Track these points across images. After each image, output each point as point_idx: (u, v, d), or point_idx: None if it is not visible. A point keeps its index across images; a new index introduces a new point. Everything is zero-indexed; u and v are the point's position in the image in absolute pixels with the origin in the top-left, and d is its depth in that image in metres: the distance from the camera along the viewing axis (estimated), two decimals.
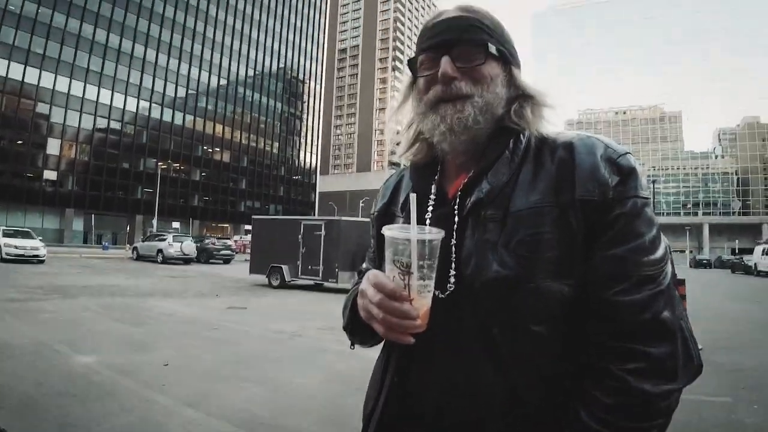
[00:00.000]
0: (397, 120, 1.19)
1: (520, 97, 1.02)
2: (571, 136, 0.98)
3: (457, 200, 0.99)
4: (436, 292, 0.92)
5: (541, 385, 0.89)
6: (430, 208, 1.04)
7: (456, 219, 0.98)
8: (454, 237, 0.97)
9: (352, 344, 1.16)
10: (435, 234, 0.88)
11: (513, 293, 0.89)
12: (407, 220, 1.00)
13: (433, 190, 1.06)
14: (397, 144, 1.16)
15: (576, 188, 0.90)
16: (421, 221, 0.99)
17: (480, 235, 0.94)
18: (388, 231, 0.89)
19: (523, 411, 0.88)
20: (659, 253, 0.90)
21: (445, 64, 0.97)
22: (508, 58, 1.02)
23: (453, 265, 0.95)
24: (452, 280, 0.94)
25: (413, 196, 0.92)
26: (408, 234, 0.86)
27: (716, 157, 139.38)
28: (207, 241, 36.11)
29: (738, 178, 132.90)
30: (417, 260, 0.85)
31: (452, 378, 0.94)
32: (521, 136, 0.99)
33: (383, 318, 0.88)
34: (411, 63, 1.08)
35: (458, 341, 0.93)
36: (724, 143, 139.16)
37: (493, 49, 0.99)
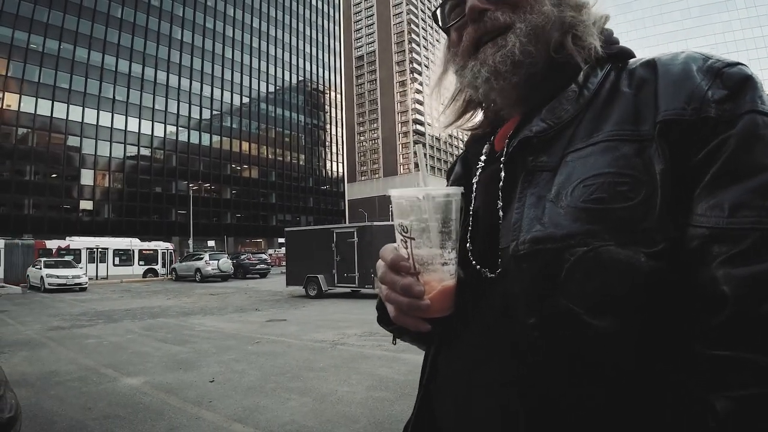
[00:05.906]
0: (441, 97, 0.94)
1: (578, 17, 0.75)
2: (657, 54, 0.71)
3: (504, 151, 0.76)
4: (484, 271, 0.73)
5: (597, 422, 0.58)
6: (479, 171, 0.82)
7: (502, 175, 0.75)
8: (500, 198, 0.73)
9: (394, 339, 0.88)
10: (440, 190, 0.68)
11: (557, 264, 0.60)
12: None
13: (485, 150, 0.85)
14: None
15: (659, 108, 0.62)
16: (466, 186, 0.81)
17: (529, 190, 0.69)
18: (392, 191, 0.70)
19: None
20: None
21: None
22: None
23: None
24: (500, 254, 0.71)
25: (418, 147, 0.76)
26: (406, 192, 0.69)
27: None
28: (243, 256, 36.66)
29: None
30: (415, 222, 0.68)
31: (468, 397, 0.71)
32: (597, 69, 0.73)
33: (387, 294, 0.70)
34: (437, 16, 0.85)
35: (490, 339, 0.70)
36: None
37: None
